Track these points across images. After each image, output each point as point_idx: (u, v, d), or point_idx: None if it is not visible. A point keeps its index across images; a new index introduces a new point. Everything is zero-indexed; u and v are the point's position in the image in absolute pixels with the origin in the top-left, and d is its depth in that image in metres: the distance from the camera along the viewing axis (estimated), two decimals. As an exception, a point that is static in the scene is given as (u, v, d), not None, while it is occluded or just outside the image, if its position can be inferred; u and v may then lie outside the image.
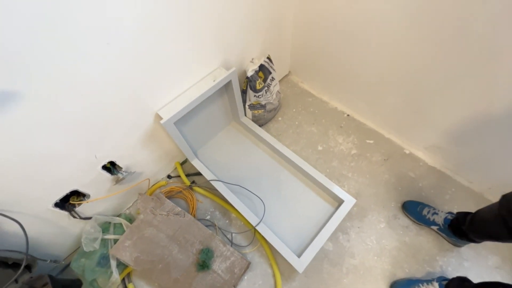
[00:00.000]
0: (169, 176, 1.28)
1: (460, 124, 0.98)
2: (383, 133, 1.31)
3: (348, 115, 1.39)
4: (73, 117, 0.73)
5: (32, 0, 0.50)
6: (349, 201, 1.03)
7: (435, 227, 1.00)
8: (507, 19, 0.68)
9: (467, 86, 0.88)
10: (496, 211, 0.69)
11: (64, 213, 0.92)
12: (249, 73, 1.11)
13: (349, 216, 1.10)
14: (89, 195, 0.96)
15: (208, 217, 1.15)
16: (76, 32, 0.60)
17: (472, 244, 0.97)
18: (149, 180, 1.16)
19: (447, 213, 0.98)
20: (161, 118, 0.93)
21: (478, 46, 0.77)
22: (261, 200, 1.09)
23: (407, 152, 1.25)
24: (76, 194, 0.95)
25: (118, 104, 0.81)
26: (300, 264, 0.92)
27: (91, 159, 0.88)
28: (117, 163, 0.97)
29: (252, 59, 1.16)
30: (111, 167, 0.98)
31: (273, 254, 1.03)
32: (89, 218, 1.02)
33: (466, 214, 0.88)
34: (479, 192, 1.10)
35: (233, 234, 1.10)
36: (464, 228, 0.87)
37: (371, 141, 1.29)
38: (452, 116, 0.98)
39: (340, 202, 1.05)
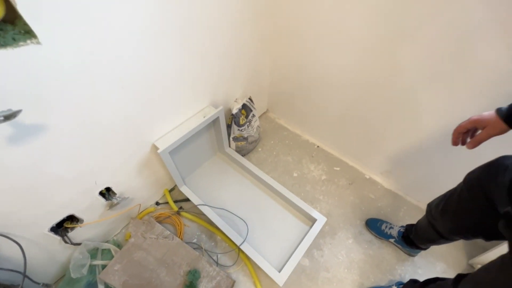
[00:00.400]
0: (157, 203, 1.36)
1: (402, 152, 1.23)
2: (347, 161, 1.54)
3: (318, 146, 1.63)
4: (84, 148, 0.85)
5: (72, 56, 0.67)
6: (321, 220, 1.20)
7: (392, 240, 1.18)
8: (426, 80, 0.98)
9: (399, 123, 1.15)
10: (425, 218, 0.89)
11: (57, 238, 0.97)
12: (234, 111, 1.31)
13: (322, 234, 1.25)
14: (82, 220, 1.02)
15: (195, 240, 1.23)
16: (100, 80, 0.76)
17: (423, 253, 1.15)
18: (140, 205, 1.23)
19: (400, 227, 1.17)
20: (157, 148, 1.06)
21: (404, 97, 1.05)
22: (244, 222, 1.22)
23: (367, 177, 1.47)
24: (70, 219, 1.00)
25: (123, 136, 0.95)
26: (280, 278, 1.03)
27: (91, 185, 0.97)
28: (113, 189, 1.06)
29: (236, 99, 1.38)
30: (106, 193, 1.06)
31: (255, 272, 1.12)
32: (79, 244, 1.06)
33: (412, 225, 1.08)
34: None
35: (219, 255, 1.18)
36: (411, 237, 1.06)
37: (338, 168, 1.51)
38: (396, 145, 1.24)
39: (313, 221, 1.21)
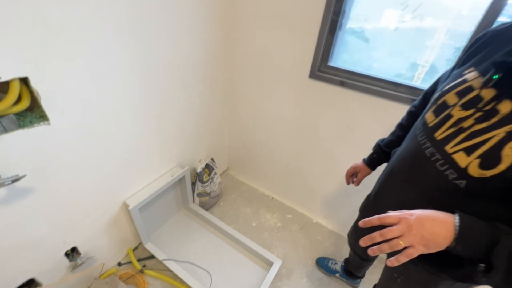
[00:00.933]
0: (119, 264, 1.36)
1: (334, 197, 1.56)
2: (297, 208, 1.80)
3: (272, 197, 1.88)
4: (64, 209, 0.96)
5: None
6: (277, 263, 1.36)
7: (337, 275, 1.37)
8: (340, 141, 1.38)
9: (328, 173, 1.50)
10: (349, 247, 1.15)
11: (11, 306, 0.94)
12: (198, 170, 1.54)
13: (280, 277, 1.38)
14: (41, 284, 1.01)
15: (158, 298, 1.24)
16: (89, 151, 0.95)
17: (365, 281, 1.35)
18: (103, 264, 1.24)
19: (342, 262, 1.39)
20: (128, 206, 1.19)
21: (327, 153, 1.44)
22: (208, 273, 1.30)
23: (315, 221, 1.73)
24: (28, 284, 0.99)
25: (98, 196, 1.08)
26: (242, 323, 1.10)
27: (59, 245, 1.02)
28: (78, 248, 1.11)
29: (200, 160, 1.63)
30: (70, 253, 1.09)
31: (219, 323, 1.17)
32: (31, 314, 1.01)
33: (347, 258, 1.31)
34: (362, 245, 1.59)
35: (183, 311, 1.21)
36: (349, 268, 1.28)
37: (290, 216, 1.75)
38: (329, 192, 1.57)
39: (271, 264, 1.36)
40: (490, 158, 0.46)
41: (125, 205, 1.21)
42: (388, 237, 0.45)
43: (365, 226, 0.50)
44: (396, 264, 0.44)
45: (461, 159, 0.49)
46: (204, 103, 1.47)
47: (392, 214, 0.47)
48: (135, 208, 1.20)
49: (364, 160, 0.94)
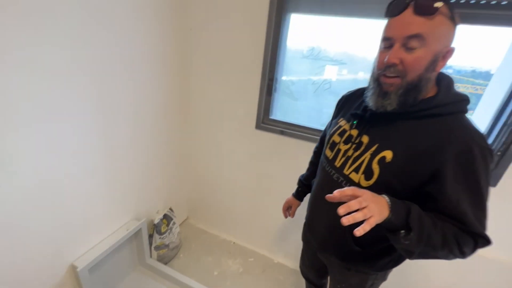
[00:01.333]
0: None
1: (288, 235, 1.67)
2: (259, 251, 1.84)
3: (234, 242, 1.90)
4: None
5: None
6: (240, 310, 1.34)
7: (300, 313, 1.40)
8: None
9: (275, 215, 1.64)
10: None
11: None
12: (156, 221, 1.53)
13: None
14: None
15: None
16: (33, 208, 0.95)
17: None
18: None
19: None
20: (76, 267, 1.12)
21: (273, 198, 1.60)
22: (167, 334, 1.21)
23: (276, 261, 1.78)
24: None
25: (38, 261, 1.01)
26: None
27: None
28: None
29: (158, 210, 1.63)
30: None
31: None
32: None
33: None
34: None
35: None
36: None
37: (252, 259, 1.78)
38: (284, 233, 1.68)
39: (234, 313, 1.33)
40: (368, 172, 0.67)
41: (73, 268, 1.14)
42: (363, 205, 0.52)
43: (331, 200, 0.57)
44: (362, 232, 0.51)
45: (354, 177, 0.70)
46: (160, 154, 1.56)
47: (348, 189, 0.56)
48: (84, 269, 1.13)
49: (293, 194, 1.13)
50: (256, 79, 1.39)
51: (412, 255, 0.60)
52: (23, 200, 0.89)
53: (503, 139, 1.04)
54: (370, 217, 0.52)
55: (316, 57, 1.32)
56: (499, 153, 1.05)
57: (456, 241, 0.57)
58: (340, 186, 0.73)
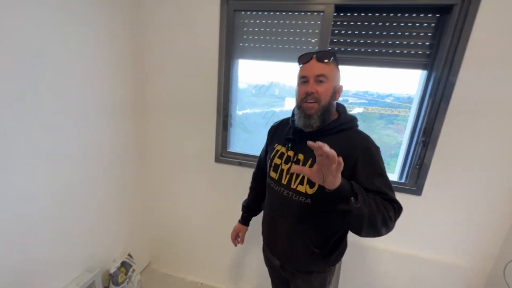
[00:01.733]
0: None
1: (255, 267, 1.66)
2: (226, 287, 1.78)
3: (201, 283, 1.81)
4: None
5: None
6: None
7: None
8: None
9: (241, 249, 1.65)
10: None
11: None
12: (112, 270, 1.42)
13: None
14: None
15: None
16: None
17: None
18: None
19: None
20: None
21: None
22: None
23: (246, 297, 1.72)
24: None
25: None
26: None
27: None
28: None
29: (115, 258, 1.51)
30: None
31: None
32: None
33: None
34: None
35: None
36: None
37: (221, 298, 1.70)
38: (251, 265, 1.67)
39: None
40: (311, 182, 0.81)
41: None
42: (333, 161, 0.60)
43: (312, 146, 0.61)
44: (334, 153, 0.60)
45: (301, 188, 0.84)
46: (116, 198, 1.51)
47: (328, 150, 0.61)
48: None
49: (239, 221, 1.20)
50: (212, 116, 1.50)
51: (363, 226, 0.69)
52: None
53: (418, 154, 1.26)
54: (335, 159, 0.60)
55: (263, 94, 1.49)
56: (417, 167, 1.27)
57: (384, 207, 0.71)
58: (291, 199, 0.86)
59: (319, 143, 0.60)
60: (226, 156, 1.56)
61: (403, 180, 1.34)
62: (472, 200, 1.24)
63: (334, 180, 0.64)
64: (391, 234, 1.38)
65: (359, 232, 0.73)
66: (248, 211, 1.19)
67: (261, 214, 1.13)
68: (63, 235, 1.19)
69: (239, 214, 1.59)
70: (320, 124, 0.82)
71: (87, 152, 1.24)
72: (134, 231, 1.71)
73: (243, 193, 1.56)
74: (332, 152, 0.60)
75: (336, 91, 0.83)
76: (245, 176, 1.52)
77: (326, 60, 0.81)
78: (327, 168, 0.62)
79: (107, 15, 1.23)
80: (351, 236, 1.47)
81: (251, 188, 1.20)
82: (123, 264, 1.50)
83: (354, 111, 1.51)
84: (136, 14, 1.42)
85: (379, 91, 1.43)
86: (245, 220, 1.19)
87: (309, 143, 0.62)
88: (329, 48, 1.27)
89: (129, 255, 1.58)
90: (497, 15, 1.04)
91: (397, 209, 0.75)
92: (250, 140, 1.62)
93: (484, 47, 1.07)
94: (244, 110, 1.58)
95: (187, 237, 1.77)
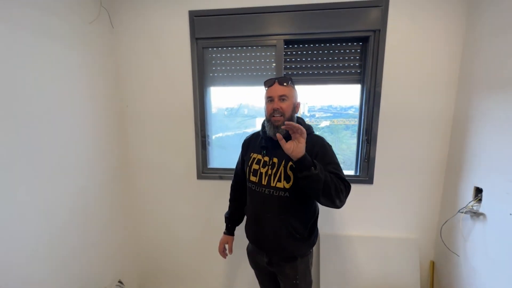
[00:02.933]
0: None
1: (246, 277, 1.78)
2: (221, 301, 1.84)
3: (194, 301, 1.85)
4: None
5: None
6: None
7: None
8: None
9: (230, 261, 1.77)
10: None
11: None
12: (105, 298, 1.44)
13: None
14: None
15: None
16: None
17: None
18: None
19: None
20: None
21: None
22: None
23: (239, 306, 1.80)
24: None
25: None
26: None
27: None
28: None
29: (105, 287, 1.53)
30: None
31: None
32: None
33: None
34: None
35: None
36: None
37: (216, 311, 1.75)
38: (242, 276, 1.78)
39: None
40: (287, 178, 1.04)
41: None
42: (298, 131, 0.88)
43: (288, 125, 0.88)
44: (297, 126, 0.88)
45: (280, 185, 1.05)
46: (103, 227, 1.56)
47: (296, 124, 0.88)
48: None
49: (225, 232, 1.34)
50: (191, 138, 1.67)
51: (319, 191, 0.90)
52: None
53: (365, 150, 1.56)
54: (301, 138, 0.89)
55: (235, 115, 1.72)
56: (366, 161, 1.56)
57: (336, 181, 0.94)
58: (272, 196, 1.05)
59: (289, 122, 0.88)
60: (207, 172, 1.72)
61: (358, 174, 1.62)
62: (411, 181, 1.55)
63: (300, 149, 0.88)
64: (357, 221, 1.66)
65: (318, 197, 0.94)
66: (231, 222, 1.33)
67: (244, 221, 1.30)
68: (58, 269, 1.22)
69: (222, 226, 1.74)
70: (286, 132, 1.02)
71: (76, 185, 1.33)
72: (123, 256, 1.74)
73: (226, 204, 1.72)
74: (298, 125, 0.87)
75: (295, 106, 1.08)
76: (227, 188, 1.67)
77: (285, 84, 1.05)
78: (296, 138, 0.89)
79: (93, 58, 1.40)
80: (329, 229, 1.69)
81: (231, 200, 1.35)
82: (115, 291, 1.52)
83: (321, 124, 1.78)
84: (117, 52, 1.60)
85: (342, 104, 1.71)
86: (230, 231, 1.33)
87: (286, 122, 0.89)
88: (285, 74, 1.56)
89: (120, 282, 1.60)
90: (400, 41, 1.42)
91: (347, 185, 0.99)
92: (228, 155, 1.81)
93: (395, 64, 1.44)
94: (221, 130, 1.78)
95: (176, 255, 1.84)
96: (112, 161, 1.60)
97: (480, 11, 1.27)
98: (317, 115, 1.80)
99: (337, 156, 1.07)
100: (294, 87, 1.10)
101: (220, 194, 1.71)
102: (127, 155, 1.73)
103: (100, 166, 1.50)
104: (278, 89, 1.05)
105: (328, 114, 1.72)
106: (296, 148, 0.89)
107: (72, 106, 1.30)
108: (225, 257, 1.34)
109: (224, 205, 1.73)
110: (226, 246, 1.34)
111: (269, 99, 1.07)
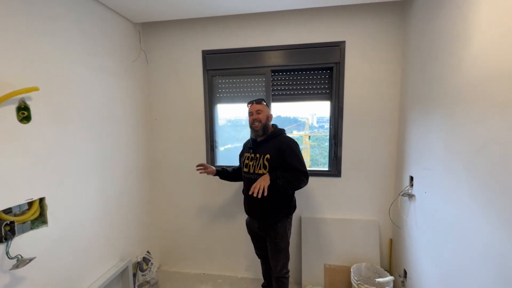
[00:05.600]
0: None
1: (243, 252, 2.24)
2: (224, 273, 2.29)
3: (203, 273, 2.31)
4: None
5: (61, 231, 1.37)
6: (216, 310, 1.76)
7: (261, 301, 1.89)
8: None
9: (228, 238, 2.24)
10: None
11: None
12: (138, 260, 1.93)
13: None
14: None
15: None
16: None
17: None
18: None
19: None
20: (83, 296, 1.47)
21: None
22: None
23: (239, 277, 2.24)
24: None
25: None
26: None
27: None
28: None
29: (137, 255, 2.03)
30: None
31: None
32: None
33: (263, 274, 1.91)
34: (275, 279, 2.20)
35: None
36: (266, 280, 1.87)
37: (220, 280, 2.21)
38: (238, 251, 2.25)
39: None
40: (264, 167, 1.56)
41: (79, 299, 1.47)
42: (258, 185, 1.41)
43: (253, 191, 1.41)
44: (266, 192, 1.41)
45: (260, 171, 1.57)
46: (139, 207, 2.09)
47: (253, 185, 1.41)
48: (90, 296, 1.48)
49: (217, 169, 1.82)
50: (202, 143, 2.21)
51: (287, 188, 1.51)
52: (59, 238, 1.35)
53: (334, 151, 2.04)
54: (263, 186, 1.37)
55: (236, 124, 2.26)
56: (335, 159, 2.04)
57: (297, 175, 1.48)
58: (256, 179, 1.51)
59: (252, 190, 1.41)
60: (215, 169, 2.24)
61: (329, 169, 2.09)
62: (370, 173, 2.01)
63: (266, 182, 1.42)
64: (330, 206, 2.14)
65: (289, 190, 1.53)
66: (222, 170, 1.82)
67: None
68: (110, 233, 1.74)
69: (229, 213, 2.23)
70: (263, 132, 1.59)
71: (120, 177, 1.87)
72: (149, 234, 2.24)
73: (230, 194, 2.21)
74: (254, 186, 1.41)
75: (268, 116, 1.62)
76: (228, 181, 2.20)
77: (259, 104, 1.61)
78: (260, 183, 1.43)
79: (133, 85, 1.98)
80: (308, 213, 2.14)
81: (232, 169, 1.84)
82: (144, 259, 2.01)
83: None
84: (150, 81, 2.19)
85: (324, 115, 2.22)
86: (218, 171, 1.81)
87: (252, 189, 1.41)
88: (272, 94, 2.09)
89: (148, 252, 2.10)
90: (354, 69, 1.93)
91: (305, 173, 1.51)
92: (231, 156, 2.33)
93: (352, 86, 1.95)
94: (228, 140, 2.32)
95: (190, 234, 2.33)
96: (144, 161, 2.15)
97: (409, 54, 1.78)
98: (326, 126, 2.28)
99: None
100: (266, 105, 1.65)
101: (224, 186, 2.21)
102: (154, 156, 2.28)
103: (135, 165, 2.04)
104: (255, 107, 1.60)
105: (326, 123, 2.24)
106: (263, 183, 1.41)
107: (119, 119, 1.87)
108: (197, 168, 1.79)
109: (227, 196, 2.24)
110: (207, 171, 1.78)
111: (250, 113, 1.62)
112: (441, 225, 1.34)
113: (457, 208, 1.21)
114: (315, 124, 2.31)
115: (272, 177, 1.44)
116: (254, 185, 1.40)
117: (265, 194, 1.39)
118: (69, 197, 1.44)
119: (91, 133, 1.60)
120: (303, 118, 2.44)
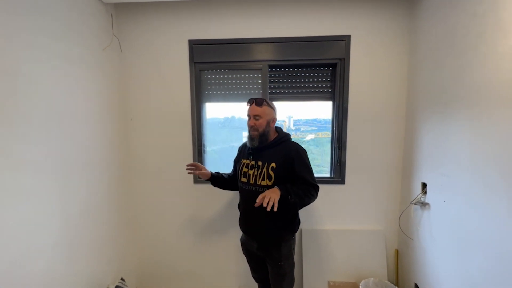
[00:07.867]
0: None
1: (236, 270, 1.97)
2: (215, 297, 2.00)
3: (189, 298, 2.00)
4: None
5: None
6: None
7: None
8: (222, 221, 1.95)
9: (222, 255, 1.97)
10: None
11: None
12: (110, 292, 1.58)
13: None
14: None
15: None
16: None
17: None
18: None
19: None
20: None
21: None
22: None
23: (232, 300, 1.97)
24: None
25: None
26: None
27: None
28: None
29: (108, 285, 1.67)
30: None
31: None
32: None
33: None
34: None
35: None
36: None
37: (210, 306, 1.91)
38: (234, 269, 1.97)
39: None
40: (269, 177, 1.30)
41: None
42: (268, 197, 1.14)
43: (257, 205, 1.14)
44: (276, 207, 1.13)
45: (264, 183, 1.31)
46: (109, 226, 1.73)
47: (260, 195, 1.16)
48: None
49: (212, 172, 1.50)
50: (188, 148, 1.91)
51: (298, 205, 1.27)
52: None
53: (337, 155, 1.86)
54: (274, 199, 1.11)
55: (227, 126, 1.99)
56: (338, 164, 1.86)
57: (308, 190, 1.26)
58: (258, 192, 1.26)
59: (257, 200, 1.14)
60: (203, 177, 1.94)
61: (332, 175, 1.91)
62: (375, 180, 1.86)
63: (276, 196, 1.15)
64: (332, 217, 1.94)
65: (299, 208, 1.30)
66: (217, 176, 1.51)
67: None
68: (71, 261, 1.38)
69: (219, 226, 1.94)
70: (259, 143, 1.33)
71: (86, 188, 1.51)
72: (124, 256, 1.88)
73: (220, 206, 1.93)
74: (260, 197, 1.15)
75: (270, 121, 1.34)
76: (220, 191, 1.92)
77: (260, 105, 1.31)
78: (267, 196, 1.15)
79: (105, 78, 1.63)
80: (309, 225, 1.94)
81: (227, 175, 1.55)
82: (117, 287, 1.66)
83: (307, 138, 2.06)
84: (125, 73, 1.84)
85: (326, 117, 1.95)
86: (212, 175, 1.49)
87: (256, 205, 1.15)
88: (269, 92, 1.86)
89: (122, 279, 1.74)
90: (360, 66, 1.77)
91: (316, 187, 1.30)
92: (222, 161, 2.05)
93: (357, 85, 1.79)
94: (216, 142, 2.03)
95: (174, 253, 2.01)
96: (117, 169, 1.80)
97: (418, 49, 1.66)
98: (302, 129, 2.07)
99: (323, 168, 1.37)
100: (269, 106, 1.35)
101: (214, 196, 1.93)
102: (130, 163, 1.93)
103: (107, 174, 1.69)
104: (254, 110, 1.32)
105: (313, 128, 2.03)
106: (274, 196, 1.14)
107: (86, 118, 1.51)
108: (187, 168, 1.48)
109: (218, 207, 1.96)
110: (200, 172, 1.47)
111: (248, 116, 1.36)
112: (469, 239, 1.20)
113: (491, 221, 1.07)
114: (291, 127, 2.11)
115: (283, 192, 1.19)
116: (262, 195, 1.14)
117: (275, 209, 1.12)
118: (13, 223, 1.07)
119: (46, 136, 1.23)
120: (280, 121, 2.24)
